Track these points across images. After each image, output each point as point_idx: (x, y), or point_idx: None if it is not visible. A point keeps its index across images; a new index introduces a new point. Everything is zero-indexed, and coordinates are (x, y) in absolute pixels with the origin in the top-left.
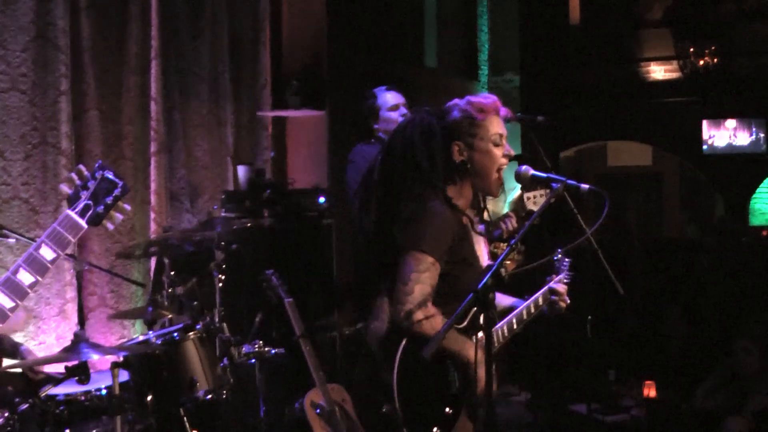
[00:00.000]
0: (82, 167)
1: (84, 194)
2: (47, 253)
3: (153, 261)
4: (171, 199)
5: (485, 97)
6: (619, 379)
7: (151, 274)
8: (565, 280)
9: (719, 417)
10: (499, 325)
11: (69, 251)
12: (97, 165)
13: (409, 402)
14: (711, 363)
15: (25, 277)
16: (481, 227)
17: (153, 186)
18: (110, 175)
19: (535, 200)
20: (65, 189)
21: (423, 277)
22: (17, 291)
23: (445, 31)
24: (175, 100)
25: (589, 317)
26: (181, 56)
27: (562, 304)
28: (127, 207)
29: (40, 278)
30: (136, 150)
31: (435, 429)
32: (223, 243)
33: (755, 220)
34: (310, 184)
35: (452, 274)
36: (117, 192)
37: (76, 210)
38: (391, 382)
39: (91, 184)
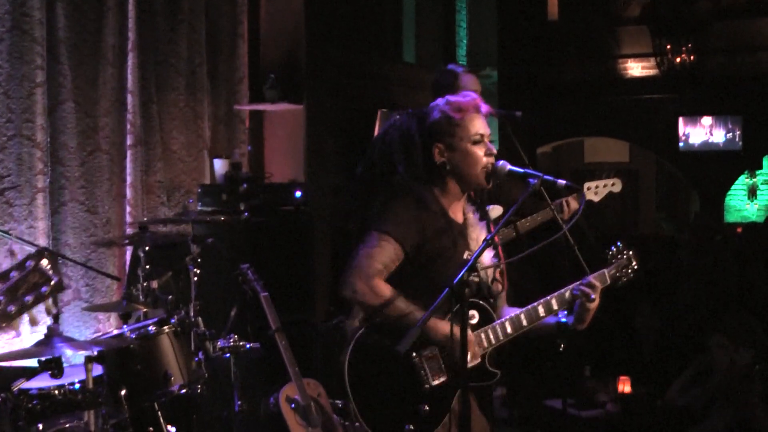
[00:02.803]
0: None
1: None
2: None
3: (128, 254)
4: (147, 193)
5: (464, 96)
6: (594, 375)
7: (126, 267)
8: (613, 273)
9: (694, 413)
10: (500, 320)
11: (44, 243)
12: (29, 254)
13: (365, 396)
14: (686, 359)
15: None
16: (481, 222)
17: (129, 179)
18: (46, 267)
19: (597, 190)
20: None
21: (372, 252)
22: None
23: (424, 26)
24: (151, 92)
25: (561, 339)
26: (158, 49)
27: (585, 301)
28: (60, 301)
29: None
30: (112, 143)
31: (410, 426)
32: (198, 237)
33: (730, 217)
34: (287, 178)
35: (429, 268)
36: (44, 290)
37: None
38: (343, 377)
39: (14, 276)
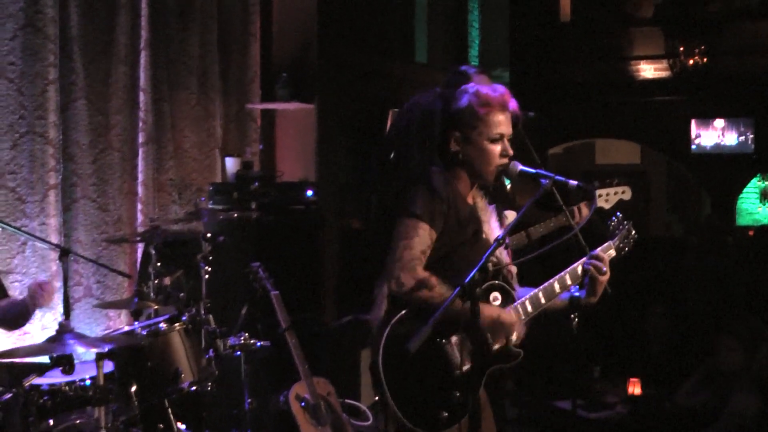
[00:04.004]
0: None
1: None
2: None
3: (140, 252)
4: (158, 191)
5: (494, 90)
6: (603, 376)
7: (138, 264)
8: (618, 244)
9: (702, 414)
10: (520, 299)
11: (56, 240)
12: None
13: (400, 386)
14: (695, 361)
15: None
16: (491, 206)
17: (140, 177)
18: None
19: (607, 198)
20: None
21: (412, 243)
22: None
23: (436, 27)
24: (163, 91)
25: (575, 313)
26: (170, 47)
27: (596, 274)
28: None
29: None
30: (124, 141)
31: (444, 414)
32: (209, 235)
33: (742, 220)
34: (298, 177)
35: (453, 251)
36: None
37: None
38: (378, 367)
39: None
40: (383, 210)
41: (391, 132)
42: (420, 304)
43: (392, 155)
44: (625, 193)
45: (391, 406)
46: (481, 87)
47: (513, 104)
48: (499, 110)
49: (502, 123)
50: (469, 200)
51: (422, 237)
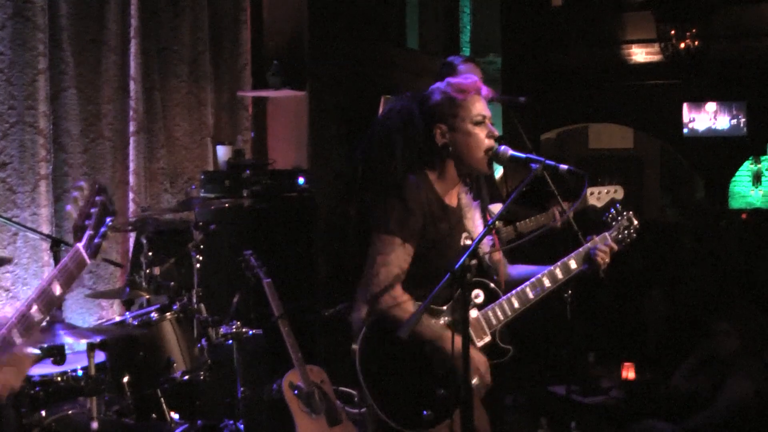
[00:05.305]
0: (84, 185)
1: (88, 223)
2: (57, 289)
3: (131, 241)
4: (150, 179)
5: (465, 78)
6: (598, 361)
7: (129, 254)
8: (615, 236)
9: (698, 399)
10: (506, 296)
11: (47, 230)
12: (97, 187)
13: (381, 386)
14: (690, 345)
15: (37, 315)
16: (475, 202)
17: (132, 166)
18: (104, 200)
19: (599, 196)
20: (73, 212)
21: (389, 259)
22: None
23: (427, 13)
24: (154, 79)
25: (569, 299)
26: (161, 35)
27: (599, 260)
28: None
29: (46, 315)
30: (114, 130)
31: (428, 412)
32: (201, 223)
33: (734, 204)
34: (290, 164)
35: (427, 256)
36: (109, 221)
37: (83, 243)
38: (355, 367)
39: (93, 212)
40: (362, 216)
41: (371, 140)
42: (392, 322)
43: (374, 161)
44: (617, 192)
45: (371, 405)
46: (451, 78)
47: (485, 90)
48: (475, 94)
49: (480, 106)
50: (452, 200)
51: (398, 253)
